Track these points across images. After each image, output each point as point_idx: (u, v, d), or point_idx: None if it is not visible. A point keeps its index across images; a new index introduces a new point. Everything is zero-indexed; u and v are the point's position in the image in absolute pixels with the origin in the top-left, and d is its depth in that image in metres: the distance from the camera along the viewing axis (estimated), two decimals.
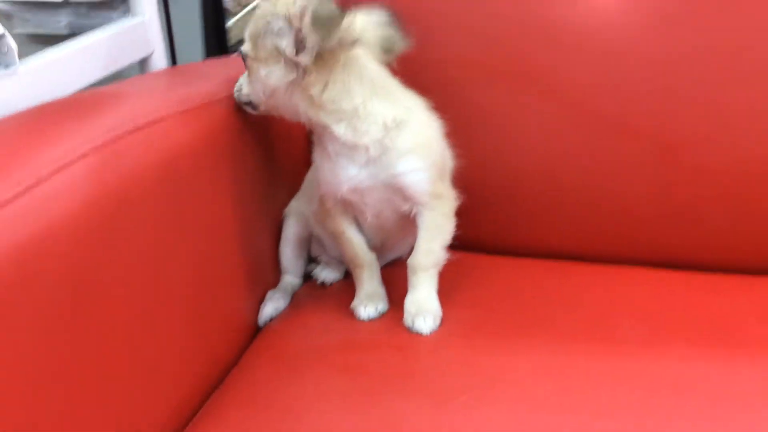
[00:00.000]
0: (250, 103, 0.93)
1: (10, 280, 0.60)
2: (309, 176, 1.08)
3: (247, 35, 0.90)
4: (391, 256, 1.06)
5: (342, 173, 0.90)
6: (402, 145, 0.88)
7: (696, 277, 1.01)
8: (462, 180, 0.97)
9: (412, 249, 0.96)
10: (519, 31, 1.04)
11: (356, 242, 0.97)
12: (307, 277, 1.09)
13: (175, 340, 0.83)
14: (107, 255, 0.71)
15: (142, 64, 1.14)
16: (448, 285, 0.96)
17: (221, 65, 1.15)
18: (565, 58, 1.02)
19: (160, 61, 1.15)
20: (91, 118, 0.78)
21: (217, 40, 1.33)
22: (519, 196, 1.08)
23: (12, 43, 0.88)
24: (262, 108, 0.93)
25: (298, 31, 0.82)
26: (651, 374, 0.80)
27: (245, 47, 0.90)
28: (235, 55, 0.94)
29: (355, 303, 0.96)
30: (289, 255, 1.08)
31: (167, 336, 0.82)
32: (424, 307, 0.92)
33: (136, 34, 1.10)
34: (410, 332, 0.90)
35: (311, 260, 1.11)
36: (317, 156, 0.94)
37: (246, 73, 0.92)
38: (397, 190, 0.91)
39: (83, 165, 0.69)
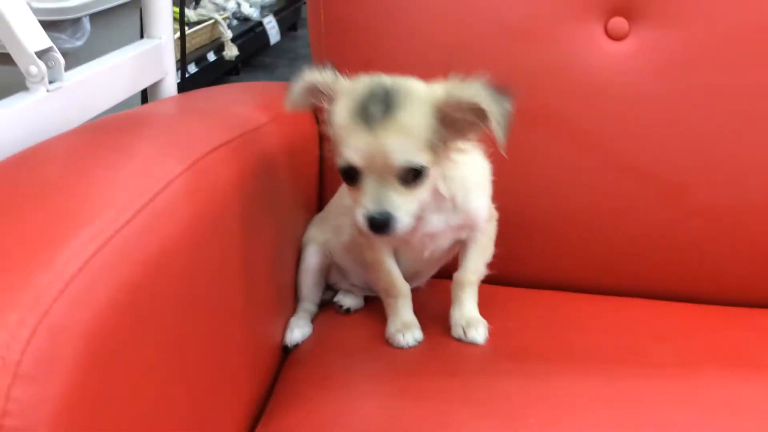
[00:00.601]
0: (396, 233, 0.81)
1: (140, 297, 0.58)
2: (332, 206, 1.09)
3: (415, 148, 0.78)
4: (414, 285, 1.08)
5: (420, 226, 0.89)
6: (476, 184, 0.92)
7: (700, 309, 1.08)
8: None
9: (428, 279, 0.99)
10: (535, 74, 1.09)
11: (395, 273, 0.98)
12: (322, 304, 1.10)
13: (227, 354, 0.82)
14: (202, 269, 0.70)
15: (152, 88, 1.12)
16: None
17: (231, 90, 1.15)
18: (578, 102, 1.08)
19: (171, 85, 1.13)
20: (165, 138, 0.77)
21: None
22: (533, 231, 1.13)
23: (60, 58, 0.85)
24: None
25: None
26: (695, 394, 0.85)
27: (420, 161, 0.79)
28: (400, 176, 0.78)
29: (390, 332, 0.97)
30: (309, 283, 1.08)
31: (230, 346, 0.81)
32: (473, 319, 0.95)
33: (154, 56, 1.08)
34: (458, 351, 0.92)
35: (327, 287, 1.12)
36: None
37: (403, 200, 0.80)
38: (465, 225, 0.94)
39: (183, 182, 0.68)
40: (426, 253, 0.96)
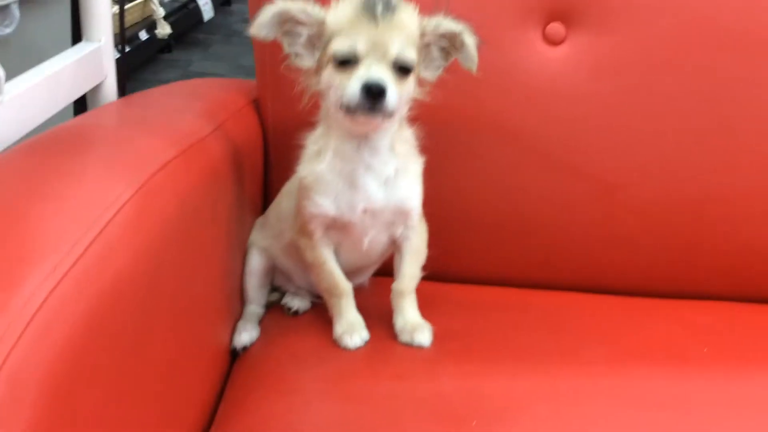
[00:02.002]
0: (383, 112, 0.88)
1: (97, 332, 0.59)
2: (272, 211, 1.11)
3: (408, 45, 0.89)
4: (356, 282, 1.09)
5: (361, 193, 0.94)
6: (413, 171, 0.98)
7: (629, 301, 1.14)
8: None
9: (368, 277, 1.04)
10: (476, 78, 1.11)
11: (336, 272, 1.00)
12: (270, 306, 1.11)
13: (178, 366, 0.84)
14: (155, 292, 0.71)
15: (92, 91, 1.11)
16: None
17: (172, 94, 1.14)
18: (517, 104, 1.12)
19: (111, 87, 1.12)
20: (112, 158, 0.77)
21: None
22: (474, 228, 1.16)
23: (0, 73, 0.83)
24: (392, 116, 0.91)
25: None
26: (625, 391, 0.91)
27: (411, 57, 0.90)
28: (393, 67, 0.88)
29: (338, 333, 0.99)
30: (254, 285, 1.09)
31: (175, 361, 0.82)
32: (418, 324, 0.99)
33: (93, 60, 1.07)
34: (404, 354, 0.96)
35: (274, 289, 1.13)
36: (319, 181, 0.95)
37: (394, 84, 0.88)
38: (400, 213, 0.97)
39: (132, 206, 0.68)
40: (366, 241, 0.98)
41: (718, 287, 1.15)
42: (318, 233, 0.98)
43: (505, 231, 1.16)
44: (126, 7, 3.22)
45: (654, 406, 0.88)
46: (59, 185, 0.68)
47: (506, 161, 1.14)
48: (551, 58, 1.12)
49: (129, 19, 3.19)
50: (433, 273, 1.16)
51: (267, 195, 1.19)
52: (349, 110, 0.88)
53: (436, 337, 0.99)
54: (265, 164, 1.18)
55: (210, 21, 4.04)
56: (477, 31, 1.09)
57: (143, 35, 3.27)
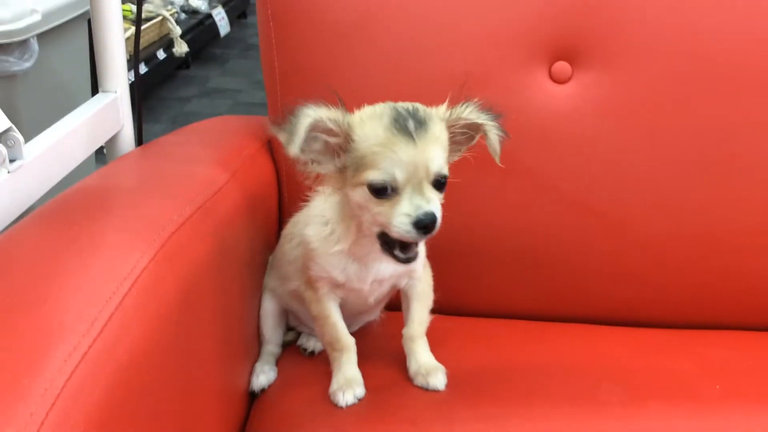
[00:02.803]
0: (432, 235, 0.85)
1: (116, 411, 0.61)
2: (279, 254, 1.11)
3: (444, 157, 0.86)
4: (356, 327, 1.11)
5: (372, 270, 0.95)
6: None
7: (641, 333, 1.16)
8: (435, 249, 1.06)
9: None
10: None
11: (340, 327, 1.00)
12: (286, 345, 1.14)
13: (199, 416, 0.86)
14: (171, 358, 0.73)
15: (109, 141, 1.13)
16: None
17: (186, 143, 1.17)
18: (525, 142, 1.13)
19: (128, 135, 1.15)
20: (127, 223, 0.79)
21: None
22: (484, 264, 1.18)
23: (19, 137, 0.86)
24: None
25: None
26: None
27: (447, 169, 0.86)
28: (432, 183, 0.84)
29: (333, 389, 0.98)
30: (270, 325, 1.11)
31: (195, 414, 0.85)
32: (432, 367, 1.00)
33: (110, 110, 1.10)
34: (418, 396, 0.97)
35: (289, 329, 1.15)
36: (330, 256, 0.95)
37: (437, 203, 0.85)
38: (405, 273, 0.99)
39: (149, 274, 0.71)
40: (371, 299, 1.00)
41: (729, 317, 1.17)
42: (323, 290, 0.99)
43: (516, 266, 1.18)
44: (143, 27, 3.28)
45: None
46: (76, 260, 0.71)
47: (516, 198, 1.16)
48: (558, 96, 1.13)
49: (146, 39, 3.24)
50: (445, 307, 1.18)
51: (281, 233, 1.22)
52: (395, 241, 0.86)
53: (449, 378, 1.00)
54: (279, 202, 1.21)
55: (227, 36, 4.08)
56: (484, 69, 1.12)
57: (161, 54, 3.32)
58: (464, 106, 0.90)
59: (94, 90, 1.23)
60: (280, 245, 1.10)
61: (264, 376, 1.06)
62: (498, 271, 1.19)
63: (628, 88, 1.12)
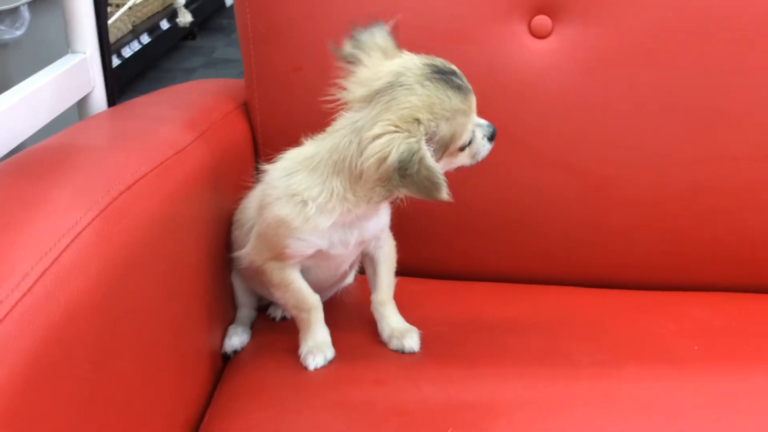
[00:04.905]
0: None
1: (46, 364, 0.60)
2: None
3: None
4: (322, 299, 1.07)
5: (356, 231, 0.93)
6: None
7: (624, 295, 1.13)
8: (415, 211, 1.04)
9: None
10: (466, 76, 1.10)
11: (304, 288, 0.98)
12: (262, 309, 1.12)
13: (162, 379, 0.86)
14: (118, 316, 0.72)
15: (81, 102, 1.12)
16: (402, 312, 1.01)
17: (157, 104, 1.15)
18: (504, 100, 1.10)
19: (99, 97, 1.13)
20: (78, 180, 0.78)
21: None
22: (464, 226, 1.15)
23: None
24: None
25: None
26: (612, 395, 0.90)
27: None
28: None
29: (303, 352, 0.98)
30: (242, 289, 1.10)
31: (156, 375, 0.84)
32: (405, 329, 1.00)
33: (78, 72, 1.08)
34: (388, 357, 0.97)
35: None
36: (315, 228, 0.91)
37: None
38: (377, 233, 0.97)
39: (91, 231, 0.69)
40: (346, 266, 0.99)
41: (715, 278, 1.13)
42: (294, 260, 0.95)
43: (497, 226, 1.15)
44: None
45: (639, 410, 0.87)
46: (19, 215, 0.69)
47: (493, 158, 1.11)
48: (538, 51, 1.10)
49: (150, 9, 3.22)
50: (424, 270, 1.17)
51: None
52: None
53: (423, 339, 0.99)
54: (256, 165, 1.19)
55: (232, 5, 4.05)
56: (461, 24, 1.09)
57: (164, 24, 3.30)
58: None
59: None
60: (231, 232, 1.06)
61: (237, 338, 1.05)
62: (476, 233, 1.16)
63: (610, 42, 1.08)
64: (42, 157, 0.86)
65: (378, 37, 0.90)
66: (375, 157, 0.81)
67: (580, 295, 1.13)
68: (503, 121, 1.11)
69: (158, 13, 3.30)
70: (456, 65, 1.10)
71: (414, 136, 0.81)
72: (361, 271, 1.08)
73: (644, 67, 1.08)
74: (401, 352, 0.98)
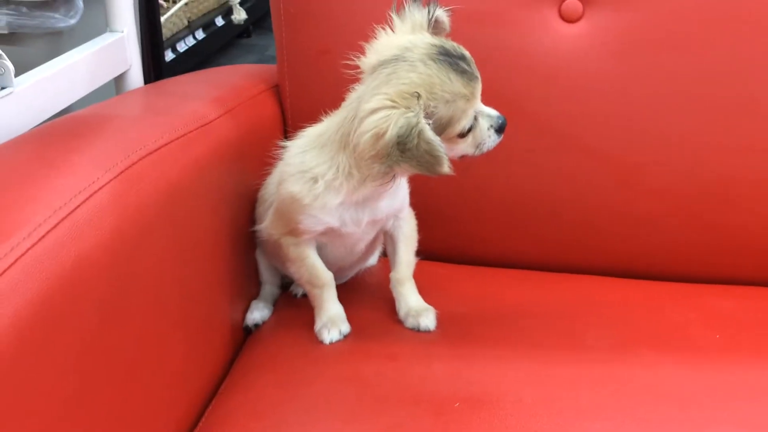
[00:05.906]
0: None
1: (52, 310, 0.62)
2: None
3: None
4: (342, 279, 1.09)
5: (368, 210, 0.94)
6: None
7: (649, 285, 1.11)
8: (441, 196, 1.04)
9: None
10: (490, 57, 1.09)
11: (318, 264, 0.99)
12: (286, 287, 1.14)
13: (176, 347, 0.88)
14: (130, 276, 0.74)
15: (118, 79, 1.16)
16: (422, 294, 1.02)
17: (192, 82, 1.18)
18: (533, 84, 1.09)
19: (136, 76, 1.17)
20: (100, 145, 0.81)
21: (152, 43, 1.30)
22: (491, 210, 1.15)
23: (9, 65, 0.89)
24: None
25: None
26: (624, 379, 0.89)
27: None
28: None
29: (318, 327, 0.99)
30: (266, 266, 1.12)
31: (170, 342, 0.86)
32: (422, 308, 1.00)
33: (116, 49, 1.12)
34: (402, 334, 0.97)
35: None
36: (326, 206, 0.92)
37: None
38: (395, 212, 0.98)
39: (108, 192, 0.72)
40: (362, 245, 1.00)
41: (744, 271, 1.10)
42: (308, 236, 0.97)
43: (524, 212, 1.15)
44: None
45: (650, 396, 0.86)
46: (40, 171, 0.73)
47: (524, 142, 1.11)
48: (568, 36, 1.09)
49: (204, 6, 3.28)
50: (449, 255, 1.17)
51: None
52: None
53: (440, 320, 0.99)
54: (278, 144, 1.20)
55: None
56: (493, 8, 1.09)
57: (219, 21, 3.37)
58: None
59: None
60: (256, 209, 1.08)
61: (258, 312, 1.07)
62: (503, 219, 1.16)
63: (641, 27, 1.06)
64: (70, 125, 0.89)
65: (416, 11, 0.89)
66: (370, 132, 0.81)
67: (604, 284, 1.11)
68: (532, 106, 1.12)
69: (214, 9, 3.36)
70: (486, 49, 1.10)
71: (412, 111, 0.80)
72: (385, 254, 1.09)
73: (675, 53, 1.06)
74: (417, 330, 0.99)
